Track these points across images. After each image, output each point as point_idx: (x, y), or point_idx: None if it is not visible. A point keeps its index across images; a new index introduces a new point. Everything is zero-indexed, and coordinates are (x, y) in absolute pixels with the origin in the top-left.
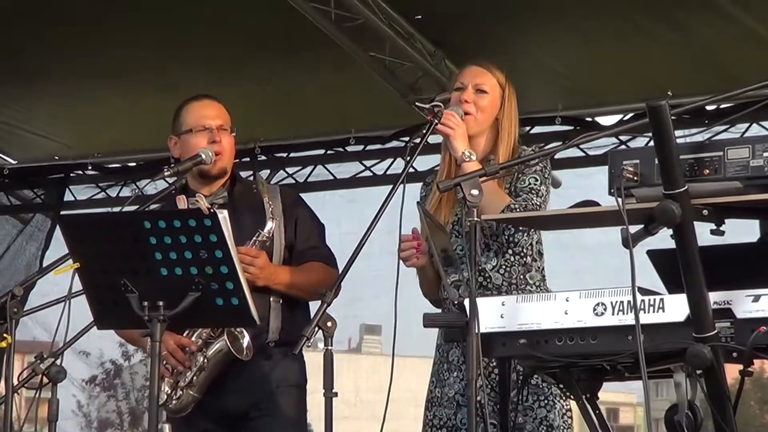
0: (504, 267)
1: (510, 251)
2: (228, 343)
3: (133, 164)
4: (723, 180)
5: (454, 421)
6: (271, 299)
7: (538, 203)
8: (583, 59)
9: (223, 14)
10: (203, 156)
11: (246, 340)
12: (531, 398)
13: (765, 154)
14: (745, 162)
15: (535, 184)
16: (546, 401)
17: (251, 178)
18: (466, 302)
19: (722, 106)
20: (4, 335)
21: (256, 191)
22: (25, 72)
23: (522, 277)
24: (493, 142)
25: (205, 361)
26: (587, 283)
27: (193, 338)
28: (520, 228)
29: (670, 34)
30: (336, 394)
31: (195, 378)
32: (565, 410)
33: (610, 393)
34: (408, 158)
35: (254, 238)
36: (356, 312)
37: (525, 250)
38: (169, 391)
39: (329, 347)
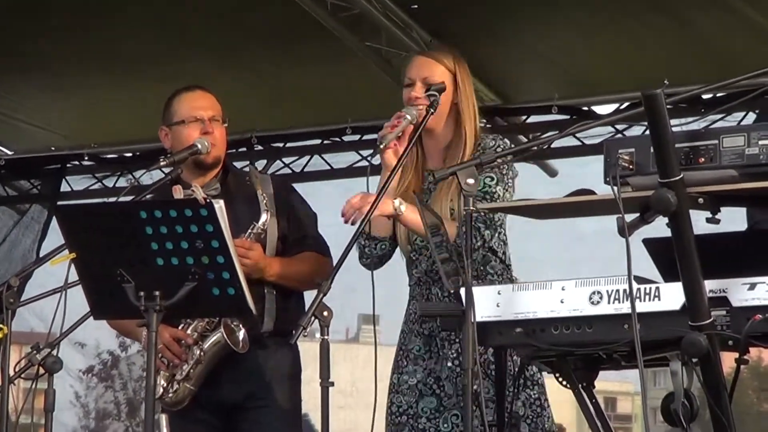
0: None
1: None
2: (225, 336)
3: (130, 154)
4: (718, 168)
5: (416, 409)
6: (266, 290)
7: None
8: (579, 48)
9: (219, 4)
10: (199, 146)
11: (242, 332)
12: (492, 389)
13: (760, 143)
14: (740, 150)
15: (490, 185)
16: (507, 392)
17: (246, 168)
18: (462, 291)
19: (718, 94)
20: (1, 326)
21: (250, 183)
22: (21, 62)
23: (482, 268)
24: (454, 127)
25: (202, 354)
26: (583, 271)
27: (189, 331)
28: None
29: (667, 22)
30: (332, 384)
31: (192, 371)
32: (532, 400)
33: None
34: (405, 148)
35: (249, 231)
36: (354, 302)
37: (485, 240)
38: (165, 385)
39: (325, 337)
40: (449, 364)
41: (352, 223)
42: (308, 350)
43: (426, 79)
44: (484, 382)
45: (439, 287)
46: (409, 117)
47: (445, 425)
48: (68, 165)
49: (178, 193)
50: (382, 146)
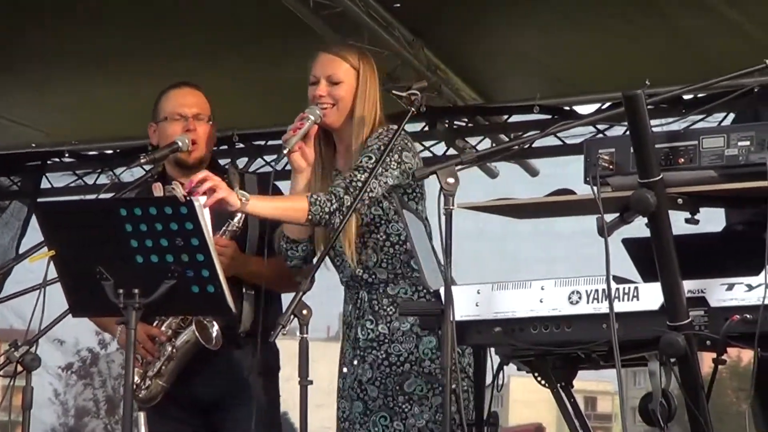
0: (385, 260)
1: (388, 243)
2: (196, 333)
3: (110, 152)
4: (698, 169)
5: (350, 413)
6: (245, 290)
7: (362, 179)
8: (561, 48)
9: (202, 2)
10: (180, 144)
11: (215, 329)
12: (425, 387)
13: (739, 144)
14: (720, 151)
15: (365, 162)
16: (440, 389)
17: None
18: (442, 290)
19: (699, 95)
20: None
21: (228, 181)
22: (2, 59)
23: (407, 264)
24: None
25: (174, 350)
26: (562, 271)
27: (163, 328)
28: (394, 218)
29: (649, 23)
30: (311, 382)
31: (163, 368)
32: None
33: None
34: (385, 147)
35: (224, 228)
36: (335, 300)
37: (403, 237)
38: (138, 381)
39: (304, 335)
40: (362, 368)
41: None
42: (287, 348)
43: (330, 77)
44: (417, 380)
45: (366, 291)
46: (312, 117)
47: (375, 429)
48: (48, 162)
49: (158, 190)
50: (285, 151)
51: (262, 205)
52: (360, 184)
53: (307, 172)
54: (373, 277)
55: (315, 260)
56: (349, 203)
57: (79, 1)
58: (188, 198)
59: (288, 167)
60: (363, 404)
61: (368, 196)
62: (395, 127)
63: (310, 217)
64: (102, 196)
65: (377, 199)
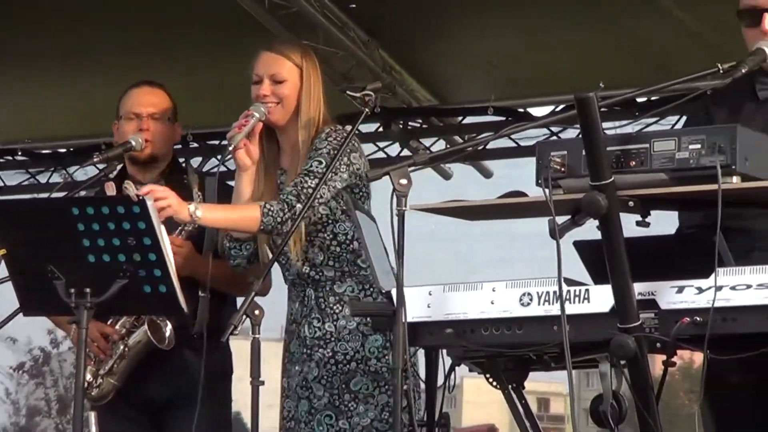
0: (332, 259)
1: (335, 242)
2: (148, 333)
3: (64, 150)
4: (649, 172)
5: (295, 413)
6: (199, 292)
7: (312, 185)
8: (516, 50)
9: (152, 7)
10: (133, 143)
11: (168, 329)
12: (371, 385)
13: (690, 147)
14: (671, 154)
15: (315, 167)
16: (386, 387)
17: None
18: (394, 291)
19: (653, 98)
20: None
21: (187, 182)
22: None
23: (353, 263)
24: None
25: (126, 349)
26: (517, 272)
27: (117, 327)
28: (341, 217)
29: (603, 26)
30: (263, 383)
31: (115, 366)
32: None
33: (541, 383)
34: (335, 150)
35: (180, 228)
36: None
37: (350, 237)
38: (90, 379)
39: (256, 335)
40: (308, 367)
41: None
42: (240, 349)
43: (273, 76)
44: (363, 379)
45: (313, 289)
46: (257, 115)
47: (320, 428)
48: (1, 160)
49: (111, 189)
50: (231, 148)
51: (213, 217)
52: (311, 191)
53: (252, 170)
54: (320, 274)
55: (268, 261)
56: (299, 210)
57: (31, 1)
58: (141, 198)
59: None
60: (308, 403)
61: (319, 201)
62: (342, 127)
63: (262, 227)
64: (55, 194)
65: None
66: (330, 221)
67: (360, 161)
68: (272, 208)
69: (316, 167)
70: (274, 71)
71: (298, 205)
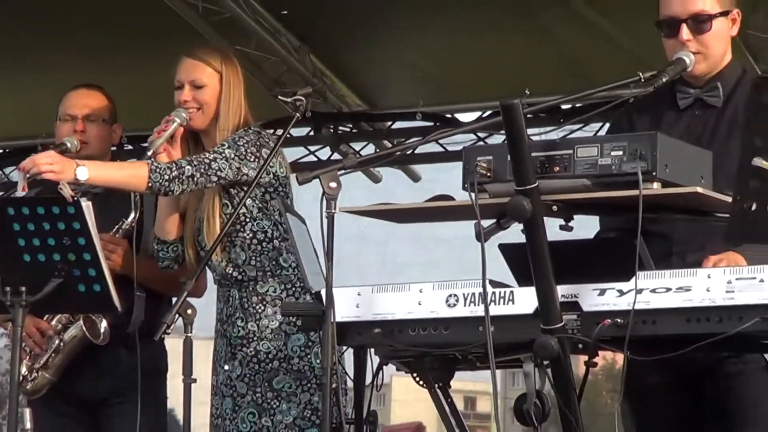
0: (253, 258)
1: (255, 240)
2: (83, 328)
3: (0, 151)
4: (572, 177)
5: (221, 410)
6: (136, 291)
7: (210, 157)
8: (444, 56)
9: (95, 3)
10: (68, 144)
11: (103, 325)
12: (294, 384)
13: (612, 154)
14: (593, 160)
15: (218, 148)
16: (309, 385)
17: None
18: (323, 292)
19: (577, 105)
20: None
21: None
22: None
23: (275, 262)
24: None
25: (61, 344)
26: (443, 273)
27: (53, 322)
28: (258, 215)
29: (530, 34)
30: (195, 380)
31: (50, 360)
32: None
33: (467, 382)
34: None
35: (117, 226)
36: None
37: (269, 235)
38: (26, 373)
39: (189, 334)
40: (232, 365)
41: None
42: (174, 347)
43: (193, 82)
44: (286, 377)
45: (237, 289)
46: (178, 120)
47: (244, 425)
48: None
49: (65, 190)
50: (150, 152)
51: (99, 173)
52: (207, 161)
53: None
54: (243, 274)
55: (195, 262)
56: (190, 173)
57: None
58: (75, 198)
59: None
60: (232, 400)
61: (216, 175)
62: (265, 131)
63: (150, 184)
64: None
65: (229, 185)
66: (248, 219)
67: (277, 163)
68: (160, 166)
69: (219, 148)
70: (194, 77)
71: (188, 167)
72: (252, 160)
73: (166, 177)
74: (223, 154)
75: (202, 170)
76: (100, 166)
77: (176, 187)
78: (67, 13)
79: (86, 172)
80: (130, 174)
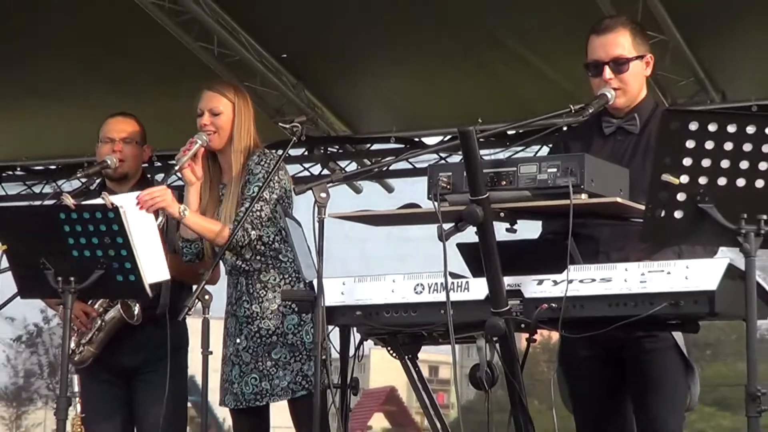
0: (258, 255)
1: (260, 243)
2: (121, 311)
3: (54, 167)
4: (516, 189)
5: (230, 376)
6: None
7: (258, 209)
8: (413, 92)
9: (127, 47)
10: (108, 162)
11: (137, 308)
12: (288, 355)
13: (548, 170)
14: (533, 176)
15: (254, 189)
16: (300, 356)
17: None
18: (315, 282)
19: (520, 131)
20: None
21: None
22: None
23: (275, 258)
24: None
25: (103, 324)
26: (411, 267)
27: (96, 306)
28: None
29: (481, 73)
30: (211, 352)
31: (94, 337)
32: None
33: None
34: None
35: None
36: None
37: (272, 239)
38: (74, 347)
39: (206, 315)
40: (240, 339)
41: (148, 210)
42: (194, 325)
43: (212, 110)
44: (282, 350)
45: (244, 277)
46: (200, 141)
47: (248, 388)
48: (3, 174)
49: (107, 198)
50: (177, 167)
51: (193, 221)
52: (259, 215)
53: (197, 184)
54: (249, 266)
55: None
56: (255, 236)
57: (26, 45)
58: (114, 205)
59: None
60: (239, 368)
61: (264, 220)
62: (270, 151)
63: (228, 244)
64: (46, 202)
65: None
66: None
67: (285, 178)
68: (237, 234)
69: (254, 190)
70: (212, 105)
71: (253, 232)
72: (276, 188)
73: (240, 243)
74: (263, 197)
75: (259, 225)
76: (195, 214)
77: (246, 252)
78: (107, 55)
79: (187, 213)
80: (214, 231)
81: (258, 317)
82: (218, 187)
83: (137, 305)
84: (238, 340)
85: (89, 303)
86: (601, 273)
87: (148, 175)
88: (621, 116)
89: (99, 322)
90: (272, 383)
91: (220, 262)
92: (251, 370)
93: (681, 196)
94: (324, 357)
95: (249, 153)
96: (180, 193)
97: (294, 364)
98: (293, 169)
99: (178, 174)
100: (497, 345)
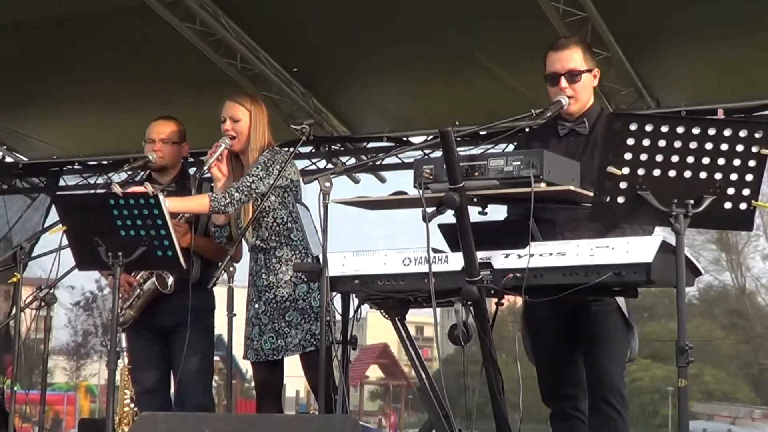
0: (274, 235)
1: (275, 224)
2: (156, 282)
3: (105, 162)
4: (487, 179)
5: (251, 334)
6: (193, 255)
7: (249, 181)
8: (402, 99)
9: (165, 63)
10: (150, 158)
11: (170, 280)
12: (299, 317)
13: (513, 164)
14: (500, 168)
15: (253, 170)
16: (309, 318)
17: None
18: (321, 256)
19: (490, 131)
20: (15, 274)
21: (189, 184)
22: (31, 100)
23: (287, 237)
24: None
25: (142, 292)
26: (401, 243)
27: (137, 278)
28: (279, 207)
29: (459, 84)
30: (235, 315)
31: (134, 303)
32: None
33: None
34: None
35: (179, 216)
36: None
37: (284, 220)
38: (119, 311)
39: (231, 284)
40: (259, 304)
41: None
42: (221, 293)
43: (232, 117)
44: (294, 313)
45: (263, 254)
46: (224, 144)
47: (266, 345)
48: (64, 168)
49: (148, 187)
50: (205, 167)
51: (176, 205)
52: (247, 184)
53: (224, 180)
54: (267, 244)
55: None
56: (238, 197)
57: (84, 56)
58: (155, 193)
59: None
60: (259, 328)
61: (255, 192)
62: (278, 148)
63: (211, 209)
64: (98, 191)
65: (265, 195)
66: (271, 210)
67: (292, 170)
68: (216, 197)
69: (254, 171)
70: (232, 114)
71: (236, 194)
72: (274, 174)
73: (221, 203)
74: (258, 176)
75: (246, 192)
76: (175, 199)
77: (230, 209)
78: (149, 70)
79: (168, 203)
80: (197, 203)
81: (274, 286)
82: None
83: (171, 278)
84: (257, 305)
85: (132, 275)
86: (557, 248)
87: (187, 169)
88: (573, 120)
89: (138, 290)
90: (286, 341)
91: (243, 242)
92: (269, 330)
93: (623, 185)
94: (328, 318)
95: (263, 151)
96: (210, 186)
97: (304, 324)
98: (302, 163)
99: (205, 172)
100: (471, 308)
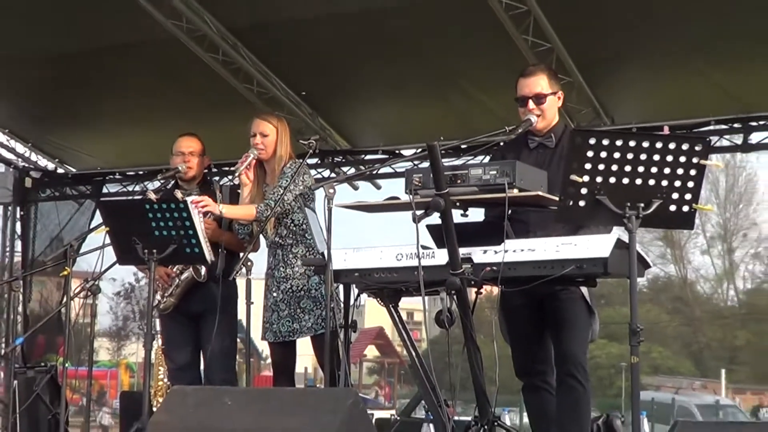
0: (291, 234)
1: (293, 224)
2: (192, 272)
3: (141, 172)
4: (468, 186)
5: (270, 319)
6: (220, 250)
7: (282, 193)
8: (395, 118)
9: (191, 87)
10: (180, 169)
11: (203, 270)
12: (312, 305)
13: (490, 172)
14: (479, 176)
15: (283, 182)
16: (320, 305)
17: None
18: (326, 252)
19: (470, 145)
20: (66, 268)
21: (213, 189)
22: (78, 119)
23: (302, 236)
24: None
25: (179, 281)
26: (393, 241)
27: (175, 269)
28: (297, 210)
29: (443, 105)
30: (253, 303)
31: (174, 291)
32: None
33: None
34: (294, 174)
35: (210, 214)
36: None
37: (300, 222)
38: (159, 299)
39: (249, 276)
40: (277, 293)
41: (199, 211)
42: (241, 284)
43: (261, 132)
44: (308, 301)
45: (280, 249)
46: (252, 155)
47: (283, 328)
48: (106, 178)
49: (178, 194)
50: (236, 174)
51: (230, 212)
52: (281, 196)
53: (250, 185)
54: (284, 241)
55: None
56: (275, 207)
57: (122, 84)
58: (184, 199)
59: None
60: (277, 314)
61: (285, 203)
62: (299, 160)
63: (256, 217)
64: (136, 198)
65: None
66: (289, 213)
67: (308, 178)
68: (260, 208)
69: (283, 182)
70: (261, 129)
71: (275, 206)
72: (300, 184)
73: (264, 214)
74: (288, 188)
75: (280, 204)
76: (230, 207)
77: (268, 217)
78: (178, 93)
79: (224, 209)
80: (246, 212)
81: (290, 278)
82: (263, 187)
83: (204, 268)
84: (275, 294)
85: (170, 267)
86: (528, 245)
87: (209, 178)
88: (541, 135)
89: (177, 280)
90: (300, 324)
91: (261, 236)
92: (286, 315)
93: (584, 191)
94: (333, 305)
95: (285, 162)
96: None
97: (315, 310)
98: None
99: (235, 178)
100: (455, 296)
